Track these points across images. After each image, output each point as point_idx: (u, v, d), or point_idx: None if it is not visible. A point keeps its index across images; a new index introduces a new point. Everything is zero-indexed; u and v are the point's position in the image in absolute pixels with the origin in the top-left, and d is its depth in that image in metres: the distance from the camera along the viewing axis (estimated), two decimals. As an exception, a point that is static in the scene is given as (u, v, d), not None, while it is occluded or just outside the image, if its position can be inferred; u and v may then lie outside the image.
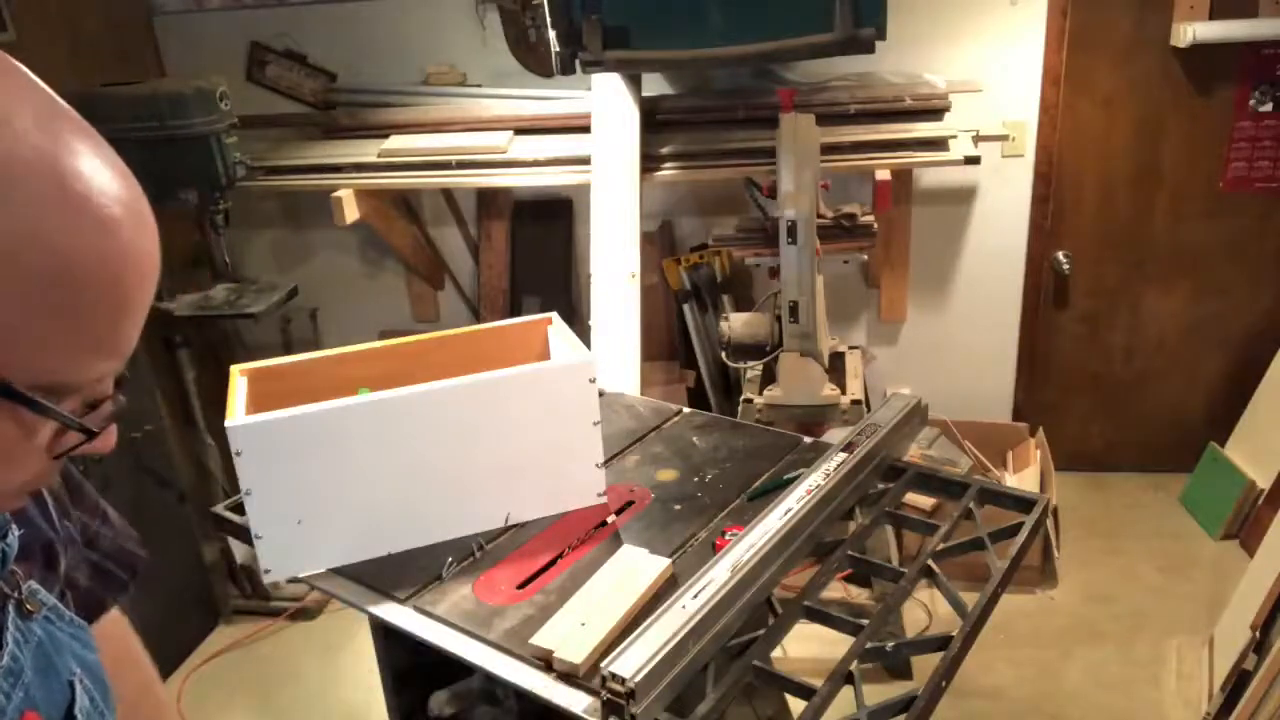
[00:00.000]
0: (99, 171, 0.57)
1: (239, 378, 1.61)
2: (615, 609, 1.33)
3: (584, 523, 1.61)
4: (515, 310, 3.60)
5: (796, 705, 1.25)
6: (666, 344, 3.54)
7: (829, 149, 2.80)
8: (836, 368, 2.87)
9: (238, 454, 1.42)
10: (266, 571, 1.52)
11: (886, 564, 1.62)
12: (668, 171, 2.98)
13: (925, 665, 1.27)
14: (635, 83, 2.96)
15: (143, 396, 2.86)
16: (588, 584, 1.41)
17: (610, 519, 1.63)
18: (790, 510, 1.44)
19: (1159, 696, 2.57)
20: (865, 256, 2.88)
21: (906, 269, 3.40)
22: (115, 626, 1.02)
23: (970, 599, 1.39)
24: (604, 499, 1.66)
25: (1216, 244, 3.25)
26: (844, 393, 2.70)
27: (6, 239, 0.52)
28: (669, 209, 3.48)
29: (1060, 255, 3.34)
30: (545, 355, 1.79)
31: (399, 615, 1.43)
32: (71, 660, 0.76)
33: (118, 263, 0.58)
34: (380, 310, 3.77)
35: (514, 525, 1.62)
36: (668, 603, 1.24)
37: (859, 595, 2.92)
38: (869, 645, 1.31)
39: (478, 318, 3.67)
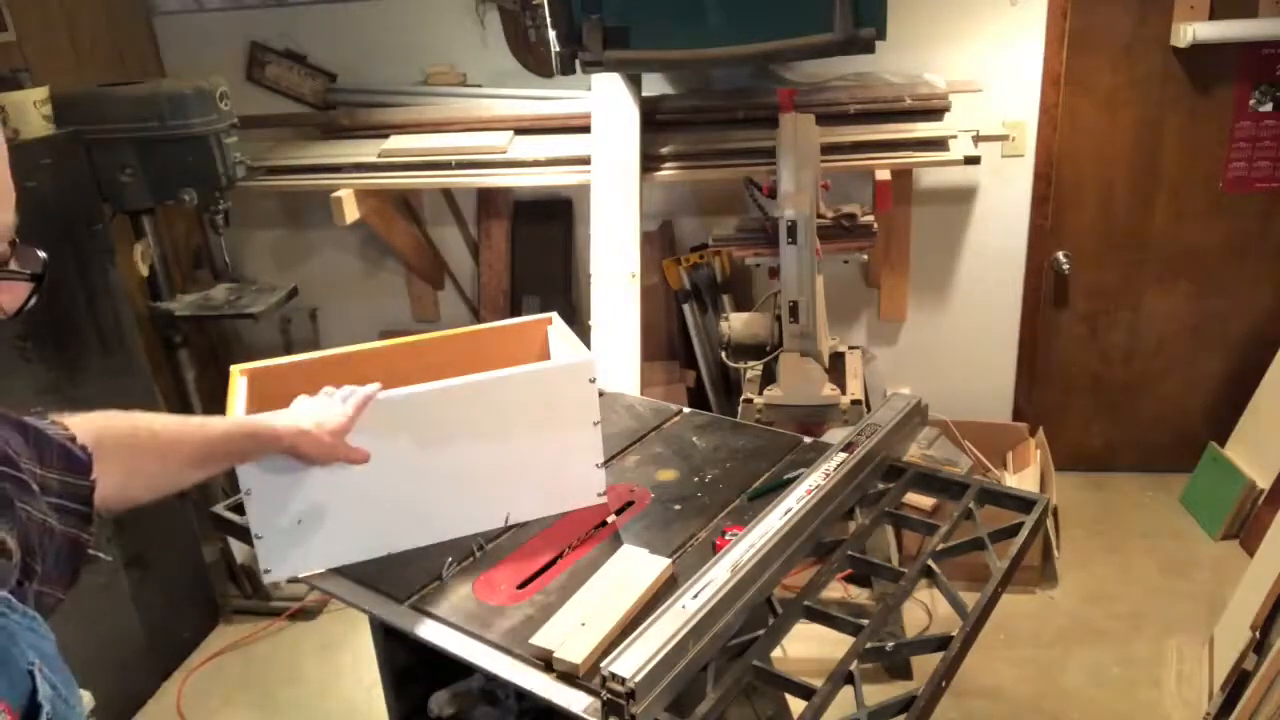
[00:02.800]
0: None
1: (239, 378, 1.61)
2: (615, 609, 1.33)
3: (584, 523, 1.62)
4: (515, 310, 3.59)
5: (796, 705, 1.25)
6: (666, 344, 3.54)
7: (829, 149, 2.80)
8: (836, 368, 2.87)
9: (238, 454, 1.42)
10: (266, 571, 1.52)
11: (886, 564, 1.62)
12: (668, 171, 2.98)
13: (925, 665, 1.27)
14: (635, 83, 2.95)
15: (143, 396, 2.86)
16: (588, 584, 1.41)
17: (610, 519, 1.63)
18: (790, 510, 1.45)
19: (1159, 696, 2.57)
20: (865, 256, 2.88)
21: (906, 269, 3.40)
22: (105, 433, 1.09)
23: (970, 599, 1.39)
24: (604, 499, 1.66)
25: (1216, 244, 3.25)
26: (844, 393, 2.70)
27: None
28: (669, 209, 3.48)
29: (1060, 255, 3.33)
30: (545, 355, 1.79)
31: (399, 615, 1.43)
32: (29, 650, 0.77)
33: None
34: (380, 310, 3.77)
35: (514, 525, 1.62)
36: (668, 603, 1.24)
37: (859, 595, 2.92)
38: (869, 645, 1.31)
39: (478, 318, 3.67)
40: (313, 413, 1.42)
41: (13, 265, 0.82)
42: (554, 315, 1.83)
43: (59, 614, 0.96)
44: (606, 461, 1.69)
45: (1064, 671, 2.69)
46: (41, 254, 0.84)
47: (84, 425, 1.06)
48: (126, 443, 1.14)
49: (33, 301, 0.85)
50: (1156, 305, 3.38)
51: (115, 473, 1.07)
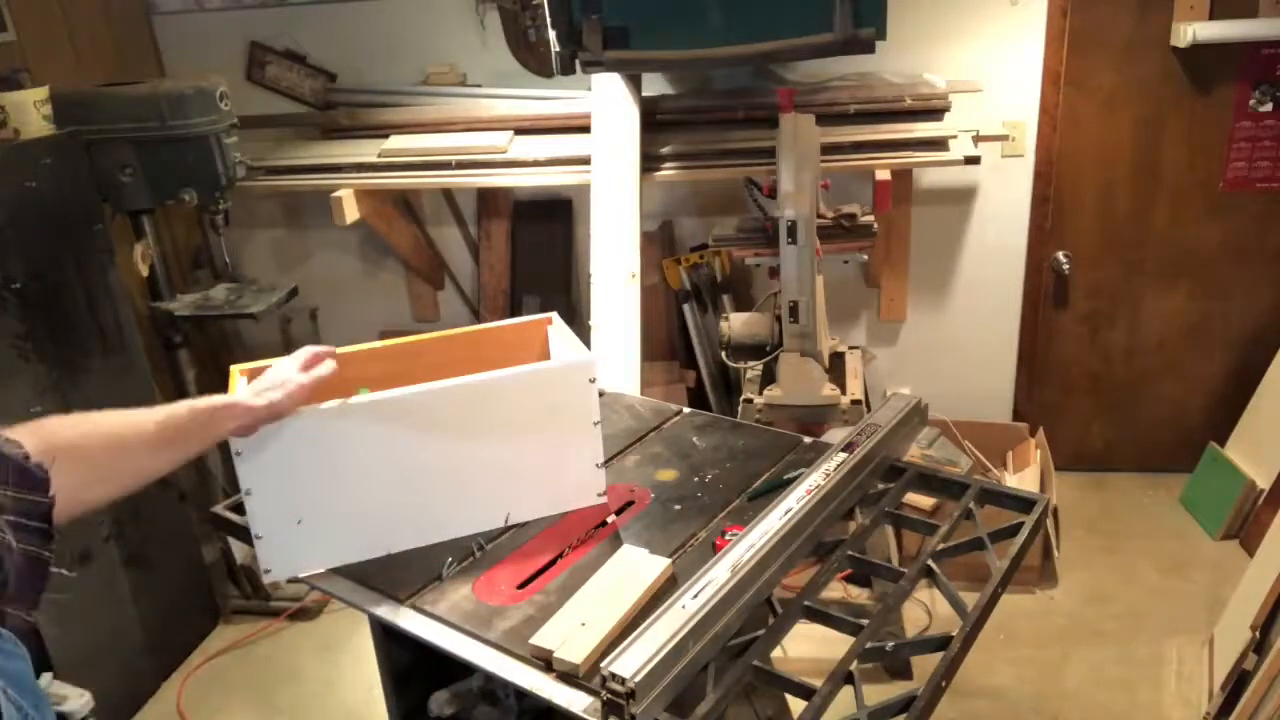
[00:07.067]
0: None
1: (239, 378, 1.61)
2: (615, 609, 1.33)
3: (584, 523, 1.61)
4: (515, 310, 3.60)
5: (796, 705, 1.25)
6: (666, 344, 3.54)
7: (829, 149, 2.80)
8: (836, 368, 2.87)
9: (237, 454, 1.42)
10: (266, 571, 1.52)
11: (886, 564, 1.62)
12: (668, 171, 2.98)
13: (925, 665, 1.27)
14: (635, 83, 2.95)
15: (143, 396, 2.86)
16: (588, 584, 1.41)
17: (610, 519, 1.63)
18: (790, 510, 1.45)
19: (1159, 696, 2.57)
20: (865, 256, 2.88)
21: (906, 269, 3.40)
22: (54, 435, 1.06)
23: (970, 599, 1.39)
24: (604, 499, 1.66)
25: (1216, 244, 3.25)
26: (844, 393, 2.70)
27: None
28: (669, 209, 3.48)
29: (1060, 255, 3.34)
30: (545, 355, 1.79)
31: (399, 615, 1.43)
32: None
33: None
34: (380, 310, 3.77)
35: (514, 525, 1.62)
36: (668, 603, 1.24)
37: (859, 595, 2.92)
38: (869, 645, 1.31)
39: (478, 318, 3.67)
40: (265, 380, 1.40)
41: None
42: (554, 315, 1.83)
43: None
44: (606, 461, 1.69)
45: (1064, 671, 2.69)
46: None
47: (33, 437, 1.02)
48: (78, 446, 1.10)
49: None
50: (1156, 305, 3.38)
51: (70, 481, 1.04)
